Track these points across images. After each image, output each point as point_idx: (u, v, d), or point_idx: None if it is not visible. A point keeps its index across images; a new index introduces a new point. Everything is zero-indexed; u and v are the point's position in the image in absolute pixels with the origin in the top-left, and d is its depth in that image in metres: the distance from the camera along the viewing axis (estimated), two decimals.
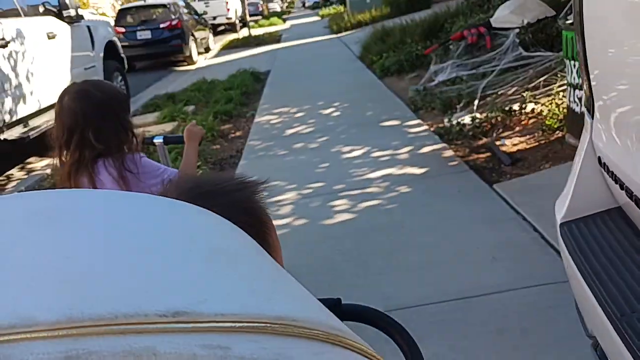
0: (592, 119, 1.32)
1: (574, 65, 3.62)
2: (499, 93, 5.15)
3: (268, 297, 0.24)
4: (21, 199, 0.28)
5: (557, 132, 4.10)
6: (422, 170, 3.80)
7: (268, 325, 0.22)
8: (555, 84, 4.88)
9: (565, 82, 4.66)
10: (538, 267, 2.41)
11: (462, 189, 3.43)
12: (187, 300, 0.21)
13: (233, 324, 0.21)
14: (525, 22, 6.19)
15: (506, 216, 3.00)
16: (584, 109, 3.67)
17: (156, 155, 2.10)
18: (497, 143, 4.19)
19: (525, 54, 5.83)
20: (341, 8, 22.80)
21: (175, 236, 0.27)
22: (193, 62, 13.09)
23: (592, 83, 1.27)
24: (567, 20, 3.96)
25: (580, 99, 3.66)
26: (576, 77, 3.63)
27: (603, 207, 1.26)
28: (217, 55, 14.69)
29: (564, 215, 1.30)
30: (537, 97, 4.69)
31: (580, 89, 3.61)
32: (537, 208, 2.99)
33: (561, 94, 4.57)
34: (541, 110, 4.50)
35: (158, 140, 1.97)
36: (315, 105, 6.46)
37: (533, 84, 5.05)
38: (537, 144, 4.06)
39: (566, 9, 6.39)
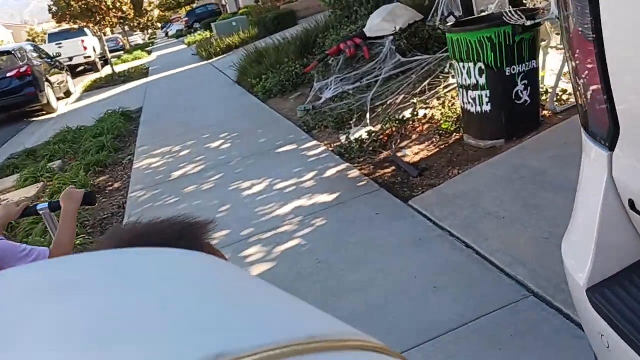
0: (612, 150, 1.07)
1: (463, 67, 3.59)
2: (388, 102, 5.08)
3: (293, 320, 0.26)
4: (46, 269, 0.30)
5: (454, 134, 4.07)
6: (333, 196, 3.52)
7: (303, 345, 0.22)
8: (440, 85, 4.91)
9: (454, 83, 4.69)
10: (484, 290, 2.21)
11: (379, 210, 3.20)
12: (224, 342, 0.22)
13: (276, 352, 0.21)
14: (397, 28, 6.27)
15: (432, 234, 2.80)
16: (478, 108, 3.66)
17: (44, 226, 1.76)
18: (399, 154, 4.06)
19: (403, 59, 5.87)
20: (207, 33, 22.27)
21: (183, 281, 0.27)
22: (53, 110, 11.80)
23: (619, 106, 1.02)
24: (446, 22, 3.96)
25: (474, 99, 3.63)
26: (467, 78, 3.60)
27: (634, 258, 1.03)
28: (79, 99, 13.43)
29: (589, 279, 1.04)
30: (427, 101, 4.66)
31: (474, 89, 3.58)
32: (460, 220, 2.84)
33: (449, 95, 4.58)
34: (433, 115, 4.47)
35: (42, 208, 1.73)
36: (200, 139, 5.97)
37: (419, 89, 5.05)
38: (437, 149, 3.99)
39: (432, 11, 6.60)
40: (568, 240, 1.23)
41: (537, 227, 2.53)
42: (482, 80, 3.52)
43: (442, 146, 3.99)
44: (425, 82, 5.08)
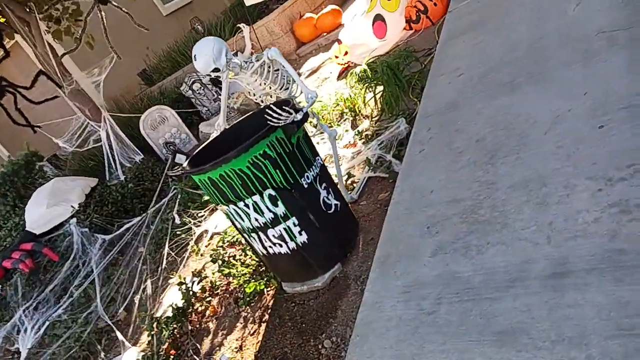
0: None
1: (247, 206, 2.46)
2: (136, 301, 3.47)
3: None
4: None
5: (266, 290, 2.87)
6: None
7: None
8: (188, 243, 3.63)
9: (202, 233, 3.50)
10: None
11: None
12: None
13: None
14: (76, 205, 4.67)
15: None
16: (292, 244, 2.58)
17: None
18: None
19: (110, 237, 4.32)
20: None
21: None
22: None
23: None
24: (175, 166, 2.77)
25: (281, 237, 2.54)
26: (259, 217, 2.48)
27: None
28: None
29: None
30: (197, 272, 3.30)
31: (275, 224, 2.49)
32: None
33: (214, 246, 3.35)
34: (214, 283, 3.15)
35: None
36: None
37: (165, 261, 3.63)
38: (262, 325, 2.71)
39: (106, 167, 5.23)
40: None
41: None
42: (281, 210, 2.47)
43: (265, 317, 2.73)
44: (166, 248, 3.71)
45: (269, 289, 2.87)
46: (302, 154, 2.52)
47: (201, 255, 3.54)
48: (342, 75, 4.96)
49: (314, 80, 5.31)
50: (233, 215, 2.56)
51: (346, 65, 4.98)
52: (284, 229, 2.52)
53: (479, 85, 3.08)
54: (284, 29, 6.40)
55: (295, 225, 2.52)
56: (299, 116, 2.41)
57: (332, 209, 2.65)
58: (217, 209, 4.01)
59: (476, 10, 3.98)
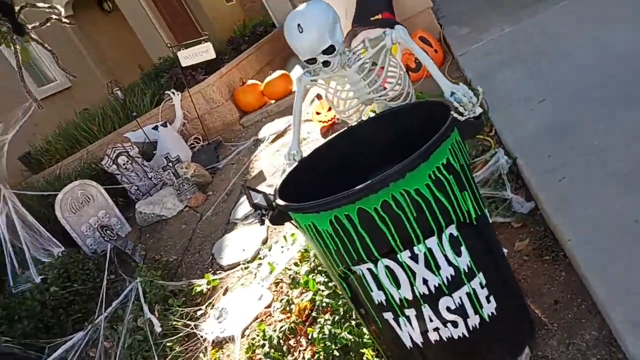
0: None
1: (416, 257, 1.45)
2: None
3: None
4: None
5: None
6: None
7: None
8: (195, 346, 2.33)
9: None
10: None
11: None
12: None
13: None
14: None
15: None
16: (476, 319, 1.51)
17: None
18: None
19: None
20: None
21: None
22: None
23: None
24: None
25: (461, 309, 1.56)
26: (432, 275, 1.48)
27: None
28: None
29: None
30: None
31: (456, 287, 1.53)
32: None
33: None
34: None
35: None
36: None
37: None
38: None
39: None
40: None
41: None
42: (464, 261, 1.49)
43: None
44: None
45: None
46: (471, 171, 1.63)
47: None
48: (327, 133, 4.20)
49: (286, 144, 4.46)
50: (378, 280, 1.50)
51: (330, 122, 4.23)
52: (467, 294, 1.52)
53: (589, 102, 2.53)
54: (224, 95, 5.51)
55: (482, 287, 1.54)
56: (478, 110, 1.55)
57: (507, 260, 1.74)
58: (213, 305, 2.75)
59: (496, 51, 3.61)
